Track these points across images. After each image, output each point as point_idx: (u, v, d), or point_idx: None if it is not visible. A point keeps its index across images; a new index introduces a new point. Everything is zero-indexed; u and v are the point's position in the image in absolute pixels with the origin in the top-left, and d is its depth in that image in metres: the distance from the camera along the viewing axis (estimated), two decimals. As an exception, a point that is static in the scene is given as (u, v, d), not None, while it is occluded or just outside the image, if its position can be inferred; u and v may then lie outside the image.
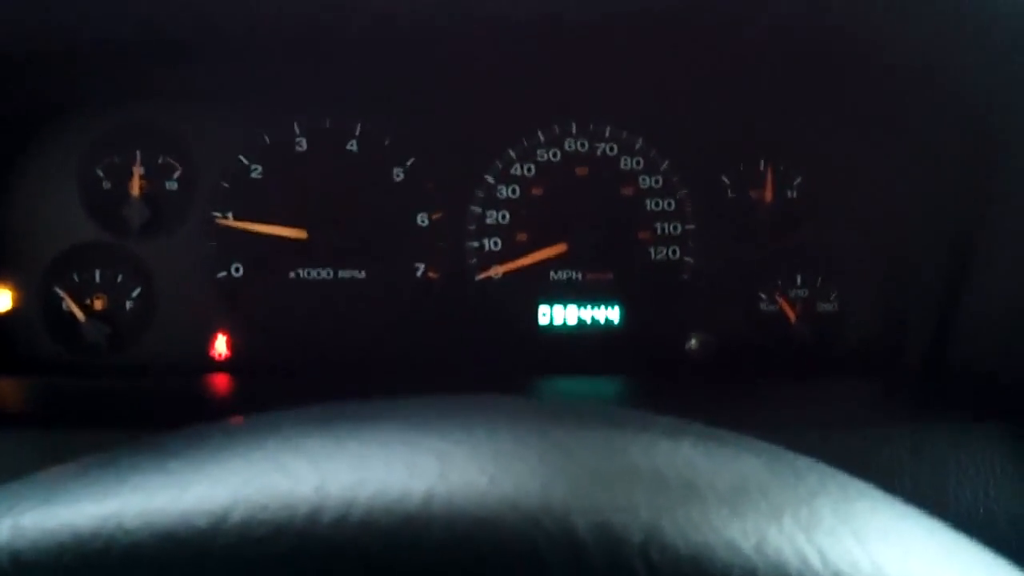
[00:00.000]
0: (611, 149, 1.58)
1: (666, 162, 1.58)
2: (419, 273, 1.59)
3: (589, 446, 0.51)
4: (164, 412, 1.36)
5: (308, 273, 1.58)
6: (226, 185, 1.56)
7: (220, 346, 1.57)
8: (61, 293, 1.55)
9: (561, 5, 1.14)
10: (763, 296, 1.59)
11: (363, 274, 1.58)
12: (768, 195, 1.57)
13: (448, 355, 1.58)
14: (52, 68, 1.39)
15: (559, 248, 1.57)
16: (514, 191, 1.58)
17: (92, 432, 1.18)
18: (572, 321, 1.60)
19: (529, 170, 1.58)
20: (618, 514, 0.44)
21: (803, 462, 0.55)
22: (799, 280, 1.59)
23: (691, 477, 0.48)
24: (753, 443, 0.56)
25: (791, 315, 1.58)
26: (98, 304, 1.57)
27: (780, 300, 1.59)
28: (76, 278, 1.56)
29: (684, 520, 0.44)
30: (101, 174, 1.55)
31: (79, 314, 1.55)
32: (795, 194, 1.58)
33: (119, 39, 1.25)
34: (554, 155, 1.58)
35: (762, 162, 1.58)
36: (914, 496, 1.14)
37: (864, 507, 0.50)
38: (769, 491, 0.48)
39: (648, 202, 1.59)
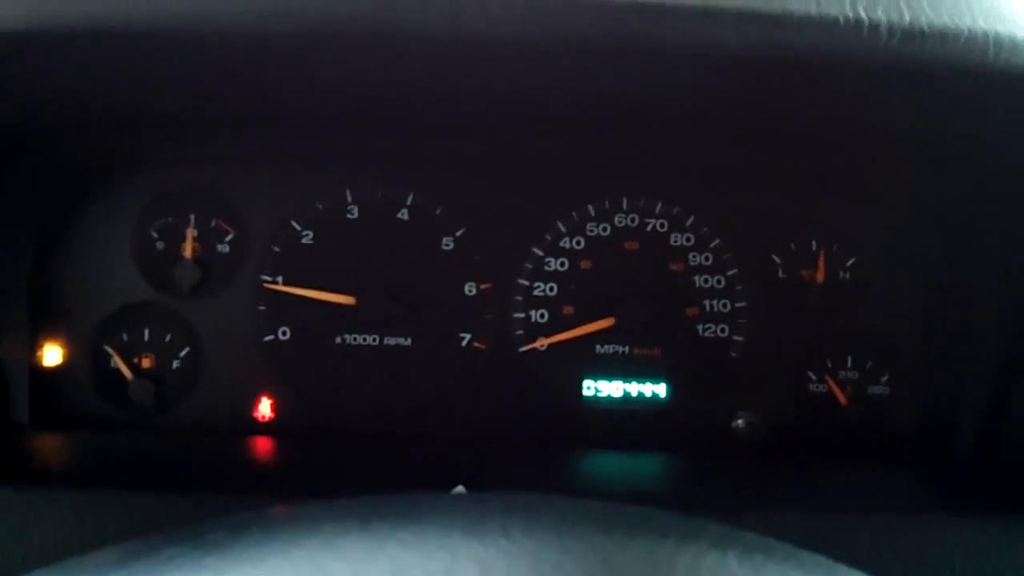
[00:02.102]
0: (661, 225, 1.57)
1: (717, 239, 1.57)
2: (465, 342, 1.58)
3: (633, 557, 0.50)
4: (206, 474, 1.37)
5: (355, 339, 1.58)
6: (277, 250, 1.57)
7: (264, 409, 1.57)
8: (110, 351, 1.57)
9: (601, 95, 1.14)
10: (812, 377, 1.57)
11: (409, 342, 1.58)
12: (820, 276, 1.56)
13: (492, 425, 1.57)
14: (110, 132, 1.42)
15: (606, 322, 1.56)
16: (563, 264, 1.58)
17: (134, 493, 1.19)
18: (617, 395, 1.58)
19: (578, 243, 1.58)
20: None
21: (853, 578, 0.54)
22: (849, 362, 1.57)
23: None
24: (802, 557, 0.55)
25: (841, 397, 1.55)
26: (146, 363, 1.58)
27: (830, 381, 1.56)
28: (125, 336, 1.57)
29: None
30: (155, 235, 1.57)
31: (127, 372, 1.56)
32: (847, 275, 1.56)
33: (176, 108, 1.27)
34: (604, 229, 1.57)
35: (814, 242, 1.57)
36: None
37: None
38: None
39: (697, 279, 1.57)
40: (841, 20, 0.90)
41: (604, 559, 0.49)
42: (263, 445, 1.51)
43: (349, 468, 1.42)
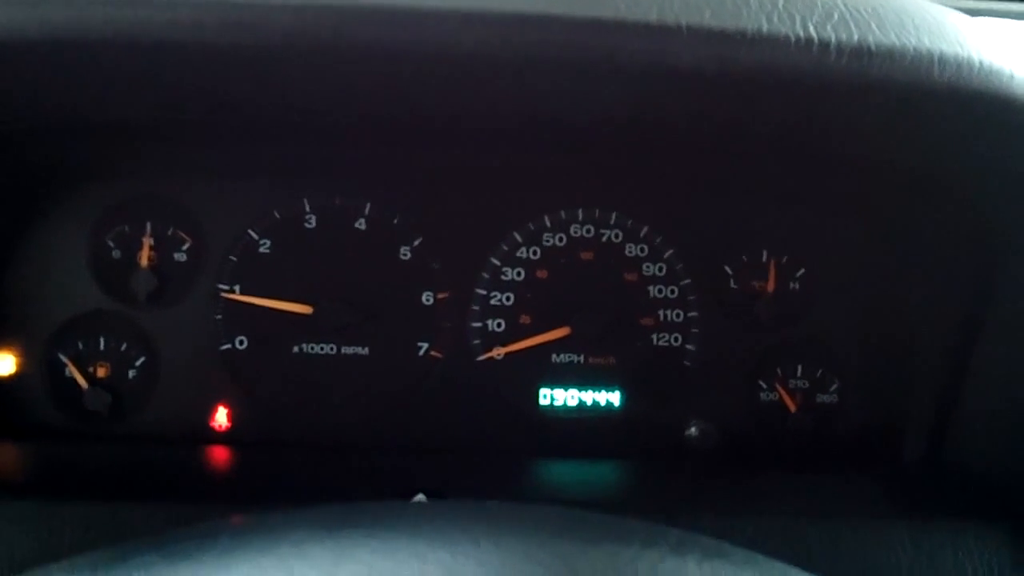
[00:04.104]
0: (616, 236, 1.59)
1: (670, 250, 1.59)
2: (422, 351, 1.59)
3: (596, 562, 0.51)
4: (163, 484, 1.36)
5: (312, 348, 1.58)
6: (234, 259, 1.57)
7: (221, 418, 1.57)
8: (65, 360, 1.56)
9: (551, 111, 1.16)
10: (763, 385, 1.60)
11: (366, 351, 1.59)
12: (770, 286, 1.59)
13: (448, 434, 1.58)
14: (66, 139, 1.41)
15: (562, 331, 1.58)
16: (519, 274, 1.59)
17: (90, 504, 1.18)
18: (573, 404, 1.60)
19: (535, 253, 1.59)
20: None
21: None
22: (799, 371, 1.60)
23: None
24: (760, 561, 0.57)
25: (791, 405, 1.59)
26: (101, 372, 1.57)
27: (780, 390, 1.59)
28: (80, 345, 1.56)
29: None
30: (111, 243, 1.56)
31: (81, 381, 1.55)
32: (797, 286, 1.60)
33: (134, 118, 1.27)
34: (560, 239, 1.59)
35: (765, 253, 1.60)
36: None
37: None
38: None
39: (651, 289, 1.60)
40: (792, 38, 0.92)
41: (568, 565, 0.51)
42: (220, 454, 1.51)
43: (307, 477, 1.42)
